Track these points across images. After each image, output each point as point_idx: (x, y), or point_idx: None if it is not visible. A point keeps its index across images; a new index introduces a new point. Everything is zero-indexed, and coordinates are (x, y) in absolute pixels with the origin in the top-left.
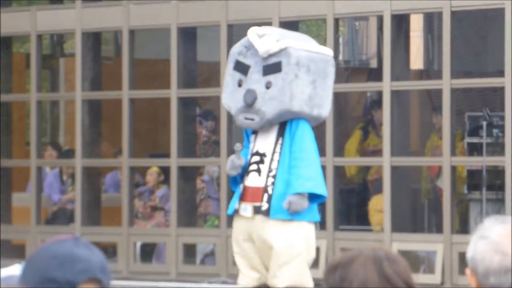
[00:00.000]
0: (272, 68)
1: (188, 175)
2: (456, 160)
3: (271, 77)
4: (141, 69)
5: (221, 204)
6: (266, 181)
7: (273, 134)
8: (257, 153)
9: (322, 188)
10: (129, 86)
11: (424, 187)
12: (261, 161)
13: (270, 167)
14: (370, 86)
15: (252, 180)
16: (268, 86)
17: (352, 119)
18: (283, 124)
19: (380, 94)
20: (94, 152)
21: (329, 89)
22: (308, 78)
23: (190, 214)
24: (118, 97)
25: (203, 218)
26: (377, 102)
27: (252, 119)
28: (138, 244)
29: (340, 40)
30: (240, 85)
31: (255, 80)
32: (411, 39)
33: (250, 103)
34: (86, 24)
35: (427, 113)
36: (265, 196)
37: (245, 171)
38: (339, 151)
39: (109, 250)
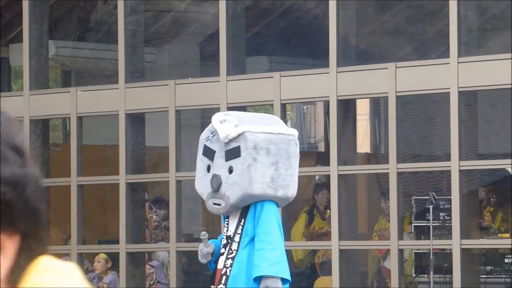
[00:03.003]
0: (232, 153)
1: (137, 260)
2: (404, 244)
3: (232, 162)
4: (89, 155)
5: None
6: (225, 263)
7: (237, 217)
8: (226, 236)
9: (288, 272)
10: (78, 172)
11: (371, 268)
12: (227, 244)
13: (231, 249)
14: (318, 170)
15: (219, 263)
16: (230, 171)
17: (301, 202)
18: (247, 206)
19: (324, 177)
20: None
21: (294, 168)
22: (269, 160)
23: None
24: (67, 184)
25: None
26: (320, 185)
27: (219, 204)
28: None
29: (288, 124)
30: (209, 170)
31: (219, 165)
32: (358, 122)
33: (215, 189)
34: (34, 111)
35: (375, 196)
36: (223, 279)
37: (217, 256)
38: (286, 235)
39: None
